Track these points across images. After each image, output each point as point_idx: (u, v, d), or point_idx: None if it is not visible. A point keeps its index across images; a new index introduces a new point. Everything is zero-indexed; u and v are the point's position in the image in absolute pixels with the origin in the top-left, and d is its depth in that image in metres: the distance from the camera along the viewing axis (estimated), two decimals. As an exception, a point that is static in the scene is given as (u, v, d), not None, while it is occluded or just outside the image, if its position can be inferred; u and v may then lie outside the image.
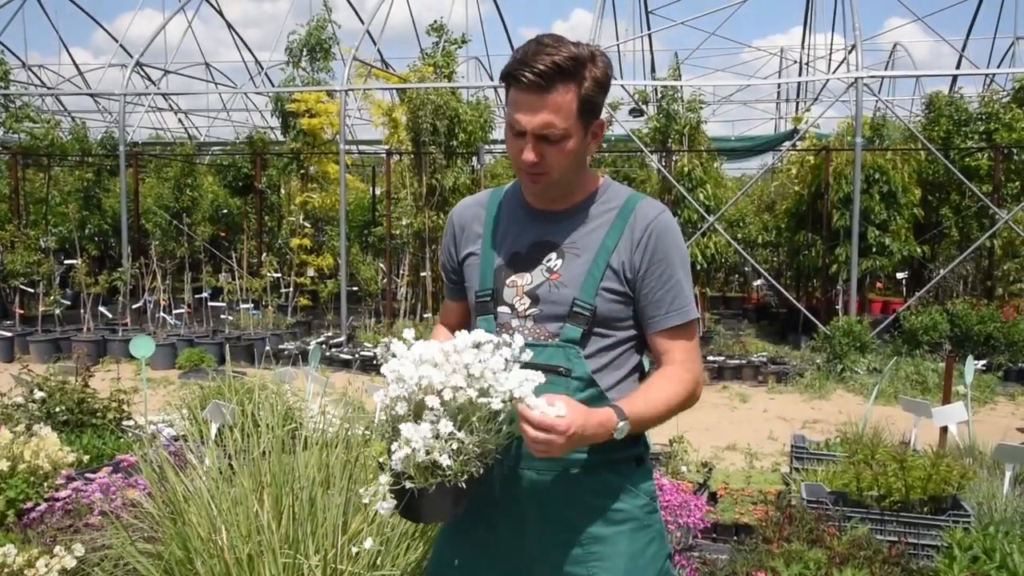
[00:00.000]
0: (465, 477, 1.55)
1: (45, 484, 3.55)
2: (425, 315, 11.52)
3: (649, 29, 16.64)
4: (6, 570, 2.69)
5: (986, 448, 4.49)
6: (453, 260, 1.93)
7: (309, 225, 12.94)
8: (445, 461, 1.52)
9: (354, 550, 2.33)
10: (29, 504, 3.38)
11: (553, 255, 1.77)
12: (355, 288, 12.65)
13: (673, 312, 1.75)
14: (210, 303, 11.15)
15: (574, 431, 1.54)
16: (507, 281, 1.79)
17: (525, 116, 1.66)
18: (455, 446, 1.53)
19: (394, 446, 1.54)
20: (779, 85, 19.94)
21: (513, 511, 1.77)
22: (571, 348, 1.73)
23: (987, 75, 14.66)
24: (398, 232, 12.05)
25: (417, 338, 1.63)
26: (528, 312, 1.76)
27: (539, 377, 1.55)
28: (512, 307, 1.78)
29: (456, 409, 1.55)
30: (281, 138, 14.43)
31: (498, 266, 1.81)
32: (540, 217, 1.81)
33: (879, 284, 13.77)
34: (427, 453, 1.51)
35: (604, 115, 1.81)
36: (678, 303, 1.76)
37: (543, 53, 1.63)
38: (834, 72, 16.10)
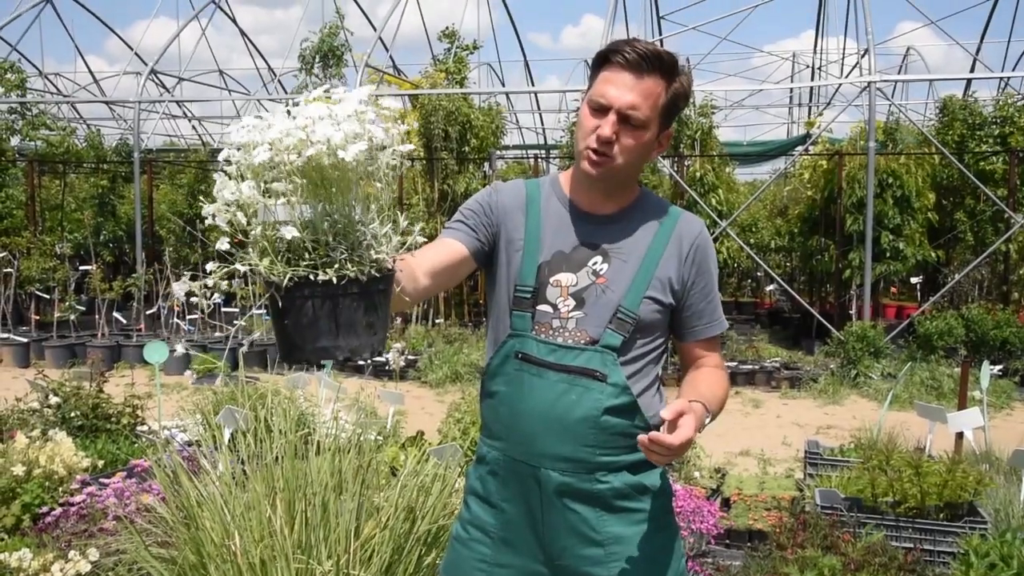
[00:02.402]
0: (347, 273, 1.35)
1: (60, 489, 3.57)
2: (437, 320, 11.53)
3: (660, 34, 16.62)
4: (22, 574, 2.71)
5: (1003, 454, 4.45)
6: (489, 220, 1.83)
7: (322, 231, 12.96)
8: (289, 234, 1.29)
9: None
10: (44, 509, 3.39)
11: (599, 258, 1.77)
12: (368, 294, 12.64)
13: (715, 323, 1.85)
14: (223, 309, 11.20)
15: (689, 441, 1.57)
16: (551, 280, 1.76)
17: (616, 91, 1.68)
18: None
19: (207, 207, 1.37)
20: (791, 89, 19.87)
21: (535, 512, 1.76)
22: (608, 354, 1.72)
23: (1002, 78, 14.53)
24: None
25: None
26: (571, 314, 1.74)
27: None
28: (555, 307, 1.75)
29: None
30: (294, 144, 14.46)
31: (542, 263, 1.78)
32: (585, 219, 1.80)
33: (893, 289, 13.67)
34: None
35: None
36: (717, 314, 1.86)
37: (643, 43, 1.69)
38: (847, 76, 16.02)
